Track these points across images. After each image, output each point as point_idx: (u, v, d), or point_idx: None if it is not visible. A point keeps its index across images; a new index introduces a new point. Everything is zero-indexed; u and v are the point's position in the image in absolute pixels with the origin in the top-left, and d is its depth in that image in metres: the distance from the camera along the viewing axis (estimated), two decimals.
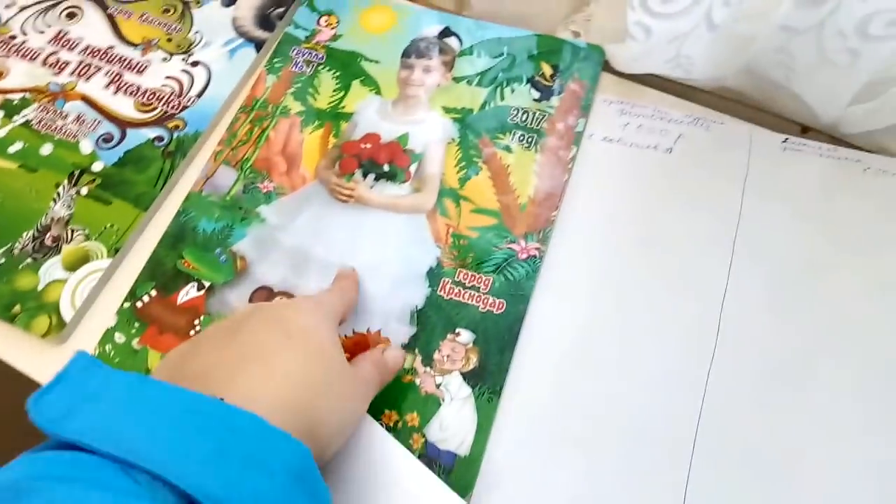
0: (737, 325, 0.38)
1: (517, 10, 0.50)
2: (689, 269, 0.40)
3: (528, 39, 0.48)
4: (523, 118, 0.45)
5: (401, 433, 0.35)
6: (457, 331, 0.38)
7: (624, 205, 0.43)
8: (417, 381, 0.37)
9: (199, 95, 0.48)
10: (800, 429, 0.35)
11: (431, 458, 0.35)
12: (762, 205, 0.42)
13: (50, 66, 0.50)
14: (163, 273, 0.41)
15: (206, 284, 0.40)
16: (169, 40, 0.51)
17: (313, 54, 0.49)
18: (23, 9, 0.53)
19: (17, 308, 0.40)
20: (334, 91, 0.47)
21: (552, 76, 0.47)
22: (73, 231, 0.43)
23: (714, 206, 0.42)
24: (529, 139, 0.44)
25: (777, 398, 0.36)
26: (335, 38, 0.50)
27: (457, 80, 0.47)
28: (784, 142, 0.44)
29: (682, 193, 0.43)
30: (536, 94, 0.46)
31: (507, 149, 0.44)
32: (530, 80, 0.47)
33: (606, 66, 0.48)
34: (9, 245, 0.42)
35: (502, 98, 0.46)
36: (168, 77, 0.49)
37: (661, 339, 0.38)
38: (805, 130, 0.47)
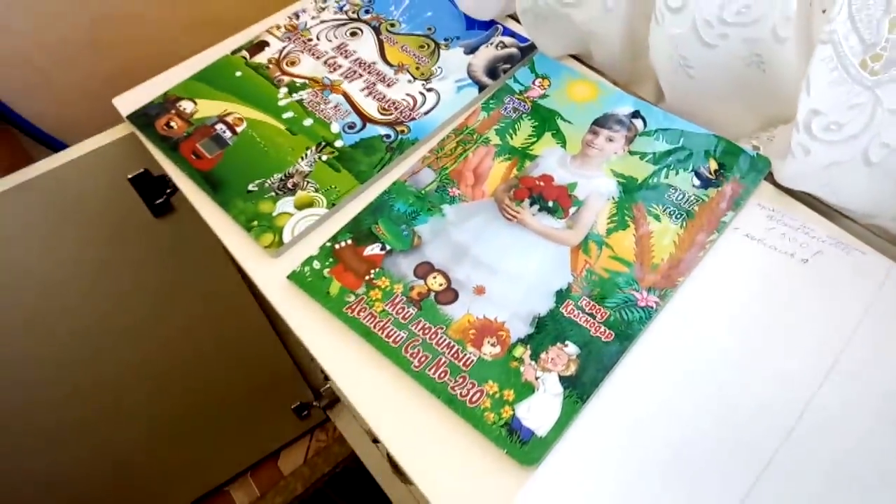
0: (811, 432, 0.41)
1: (710, 117, 0.58)
2: (779, 373, 0.44)
3: (707, 138, 0.55)
4: (678, 198, 0.52)
5: (496, 402, 0.43)
6: (566, 342, 0.46)
7: (744, 295, 0.48)
8: (522, 368, 0.45)
9: (426, 113, 0.61)
10: None
11: (514, 428, 0.42)
12: (877, 335, 0.45)
13: (328, 65, 0.66)
14: (359, 230, 0.53)
15: (388, 248, 0.52)
16: (417, 68, 0.64)
17: (522, 104, 0.60)
18: (323, 21, 0.70)
19: (255, 223, 0.54)
20: (529, 136, 0.58)
21: (717, 171, 0.53)
22: (307, 183, 0.57)
23: (829, 321, 0.46)
24: (679, 215, 0.51)
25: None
26: (543, 96, 0.61)
27: (632, 153, 0.55)
28: None
29: (801, 303, 0.47)
30: (697, 182, 0.53)
31: (657, 217, 0.51)
32: (695, 170, 0.54)
33: (770, 178, 0.54)
34: (262, 180, 0.57)
35: (666, 177, 0.54)
36: (408, 94, 0.62)
37: (726, 419, 0.42)
38: None
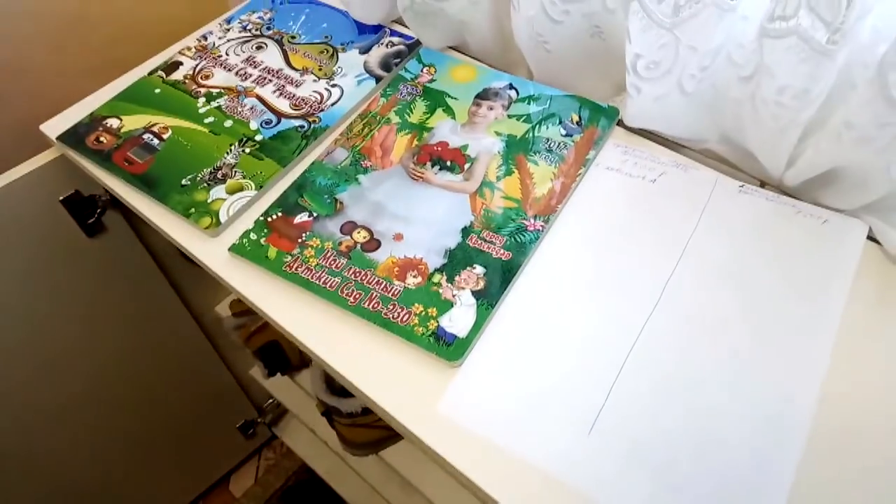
0: (667, 306, 0.53)
1: (572, 84, 0.70)
2: (643, 263, 0.55)
3: (569, 99, 0.67)
4: (550, 145, 0.63)
5: (423, 318, 0.52)
6: (474, 265, 0.55)
7: (609, 211, 0.59)
8: (440, 290, 0.54)
9: (333, 104, 0.70)
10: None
11: (439, 335, 0.51)
12: (712, 227, 0.57)
13: (240, 75, 0.74)
14: (287, 203, 0.61)
15: (315, 214, 0.60)
16: (320, 69, 0.74)
17: (414, 89, 0.70)
18: (229, 40, 0.78)
19: (192, 210, 0.61)
20: (423, 113, 0.68)
21: (578, 122, 0.65)
22: (235, 172, 0.64)
23: (676, 222, 0.58)
24: (552, 160, 0.62)
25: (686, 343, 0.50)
26: (431, 81, 0.71)
27: (510, 116, 0.67)
28: (741, 187, 0.60)
29: (654, 211, 0.59)
30: (564, 132, 0.65)
31: (535, 163, 0.62)
32: (562, 123, 0.65)
33: (621, 125, 0.66)
34: (193, 174, 0.64)
35: (539, 132, 0.65)
36: (314, 91, 0.71)
37: (606, 301, 0.53)
38: (763, 185, 0.62)
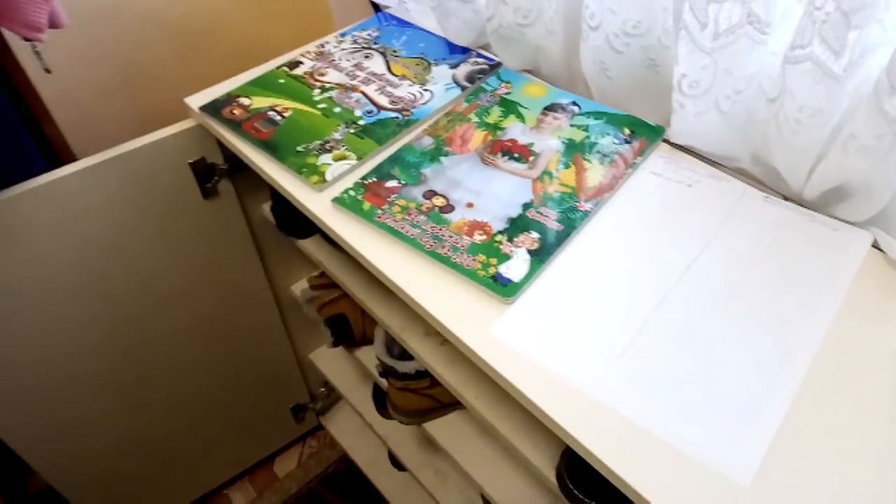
0: (684, 287, 0.63)
1: (625, 107, 0.82)
2: (674, 244, 0.66)
3: (623, 116, 0.80)
4: (603, 150, 0.75)
5: (484, 265, 0.63)
6: (530, 231, 0.67)
7: (649, 203, 0.70)
8: (501, 246, 0.65)
9: (424, 104, 0.84)
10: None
11: (496, 278, 0.62)
12: (736, 224, 0.67)
13: (349, 76, 0.89)
14: (381, 172, 0.74)
15: (402, 182, 0.73)
16: (415, 77, 0.88)
17: (492, 98, 0.84)
18: (343, 49, 0.94)
19: (304, 169, 0.75)
20: (498, 117, 0.81)
21: (629, 135, 0.77)
22: (341, 145, 0.78)
23: (705, 217, 0.68)
24: (604, 160, 0.74)
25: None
26: (508, 93, 0.85)
27: (572, 125, 0.79)
28: (766, 197, 0.70)
29: (687, 208, 0.69)
30: (616, 141, 0.76)
31: (589, 161, 0.74)
32: (614, 134, 0.77)
33: (667, 141, 0.78)
34: (307, 144, 0.78)
35: (595, 139, 0.77)
36: (409, 92, 0.86)
37: (639, 270, 0.64)
38: (786, 199, 0.72)
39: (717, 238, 0.66)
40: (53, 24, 0.74)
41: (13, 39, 0.86)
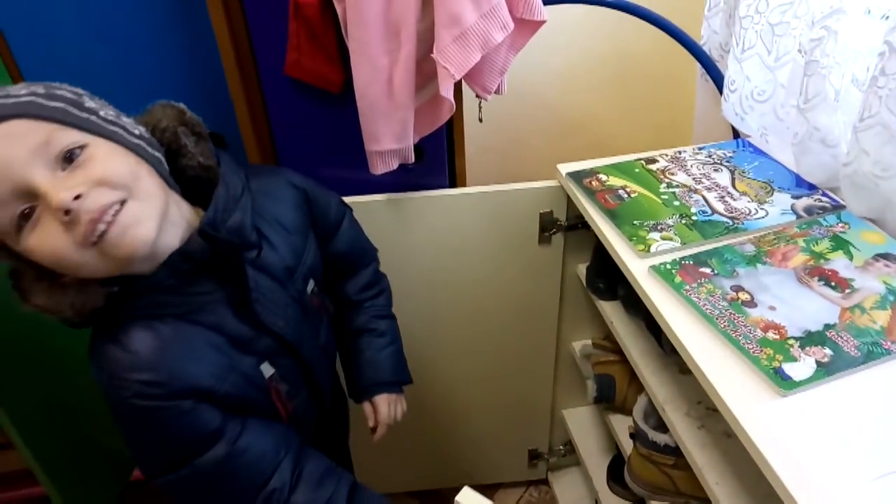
0: None
1: None
2: None
3: None
4: None
5: (770, 357, 0.71)
6: (825, 347, 0.72)
7: None
8: (791, 350, 0.72)
9: (756, 219, 0.94)
10: None
11: (778, 371, 0.69)
12: None
13: (695, 180, 1.04)
14: (698, 259, 0.87)
15: (715, 272, 0.84)
16: (755, 196, 0.99)
17: (825, 232, 0.90)
18: (696, 159, 1.10)
19: (634, 238, 0.91)
20: (826, 249, 0.87)
21: None
22: (670, 230, 0.92)
23: None
24: None
25: None
26: (842, 232, 0.90)
27: None
28: None
29: None
30: None
31: None
32: None
33: None
34: (642, 221, 0.95)
35: None
36: (746, 206, 0.96)
37: None
38: None
39: None
40: (497, 90, 1.04)
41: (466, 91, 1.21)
